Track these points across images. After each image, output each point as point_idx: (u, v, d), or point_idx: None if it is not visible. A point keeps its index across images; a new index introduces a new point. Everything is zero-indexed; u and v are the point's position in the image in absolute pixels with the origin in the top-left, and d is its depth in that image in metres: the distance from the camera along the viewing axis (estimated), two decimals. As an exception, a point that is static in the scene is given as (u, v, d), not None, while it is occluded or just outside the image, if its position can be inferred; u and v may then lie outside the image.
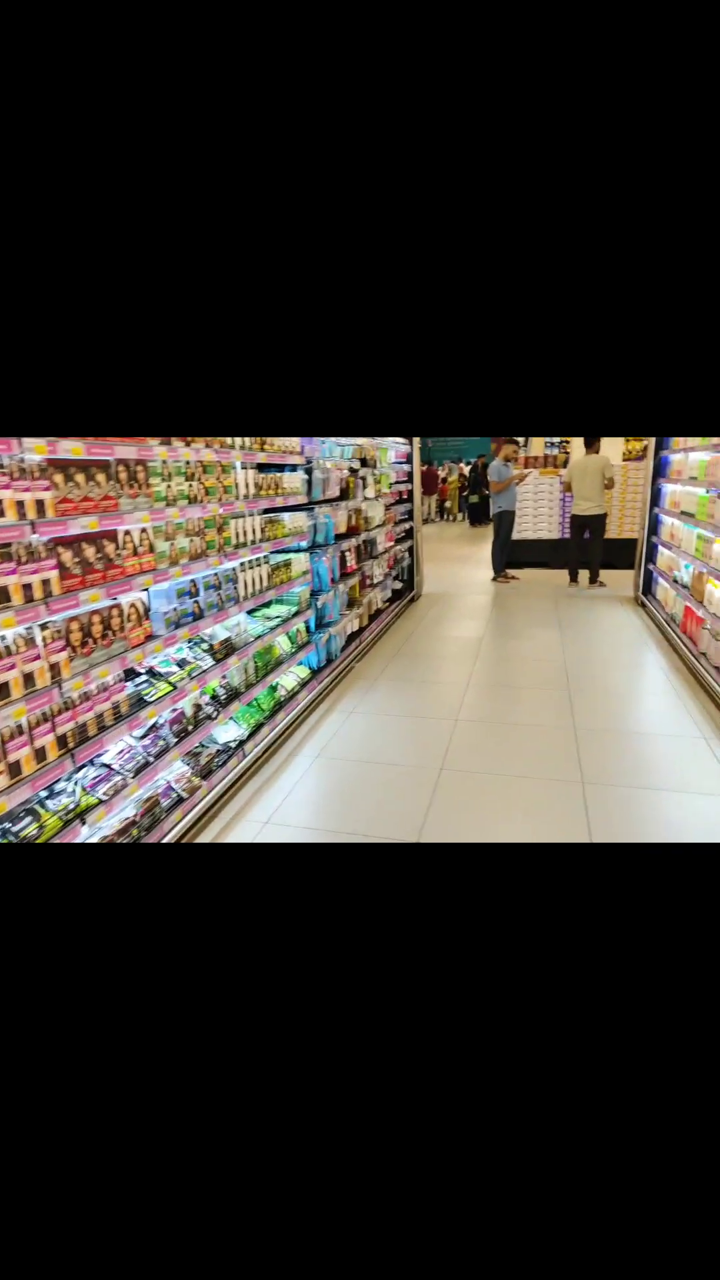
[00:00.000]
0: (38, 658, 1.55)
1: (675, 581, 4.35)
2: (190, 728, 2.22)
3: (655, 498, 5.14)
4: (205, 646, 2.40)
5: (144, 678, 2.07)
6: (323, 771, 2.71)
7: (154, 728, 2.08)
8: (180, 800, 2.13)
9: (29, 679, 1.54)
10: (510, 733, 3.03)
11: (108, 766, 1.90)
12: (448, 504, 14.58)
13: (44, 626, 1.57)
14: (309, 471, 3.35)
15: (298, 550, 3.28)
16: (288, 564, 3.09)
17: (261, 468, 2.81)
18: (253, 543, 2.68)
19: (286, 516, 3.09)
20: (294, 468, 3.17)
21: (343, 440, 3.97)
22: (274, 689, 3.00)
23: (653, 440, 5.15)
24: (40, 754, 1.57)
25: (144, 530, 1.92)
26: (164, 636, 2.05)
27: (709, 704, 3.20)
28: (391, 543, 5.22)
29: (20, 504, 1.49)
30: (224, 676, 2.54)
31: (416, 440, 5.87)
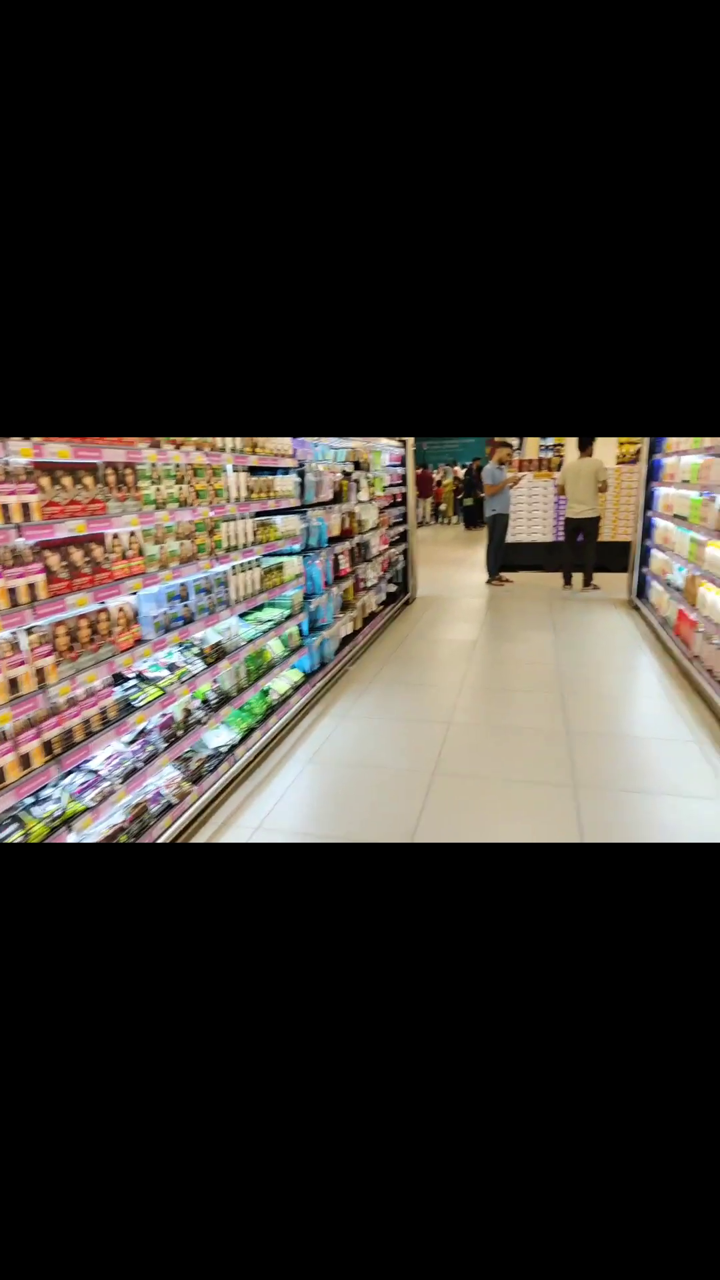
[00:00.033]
0: (23, 663, 1.53)
1: (668, 585, 4.36)
2: (180, 733, 2.20)
3: (648, 501, 5.15)
4: (196, 650, 2.38)
5: (133, 682, 2.05)
6: (315, 776, 2.70)
7: (143, 733, 2.06)
8: (170, 806, 2.11)
9: (14, 684, 1.52)
10: (504, 736, 3.02)
11: (95, 772, 1.88)
12: (443, 507, 14.60)
13: (29, 631, 1.55)
14: (302, 474, 3.34)
15: (290, 553, 3.27)
16: (280, 567, 3.07)
17: (253, 471, 2.80)
18: (244, 546, 2.66)
19: (279, 519, 3.07)
20: (286, 471, 3.16)
21: (336, 443, 3.97)
22: (266, 693, 2.98)
23: (646, 444, 5.16)
24: (25, 760, 1.55)
25: (133, 534, 1.91)
26: (153, 641, 2.03)
27: (702, 708, 3.20)
28: (386, 546, 5.21)
29: (5, 507, 1.47)
30: (215, 681, 2.52)
31: (410, 443, 5.87)
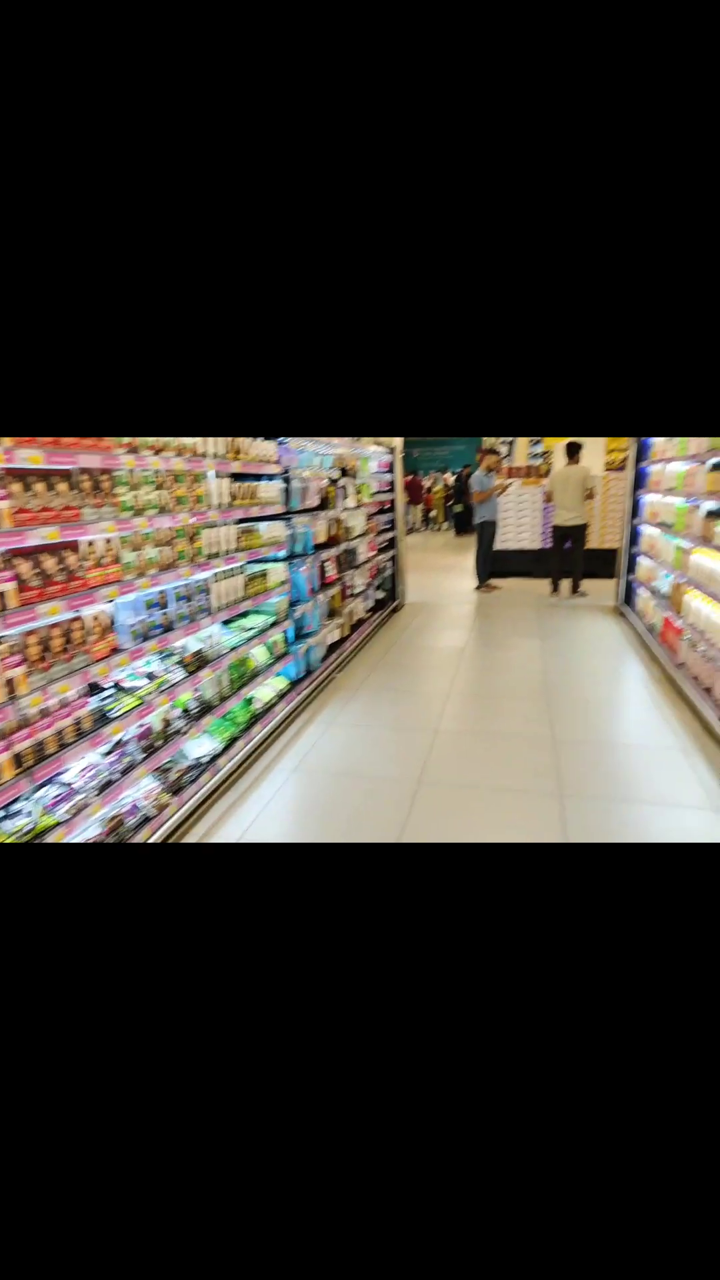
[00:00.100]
0: (-9, 673, 1.49)
1: (655, 592, 4.37)
2: (159, 743, 2.16)
3: (635, 508, 5.18)
4: (176, 659, 2.34)
5: (109, 692, 2.01)
6: (299, 785, 2.66)
7: (120, 744, 2.02)
8: (148, 819, 2.06)
9: (-19, 696, 1.47)
10: (489, 744, 3.00)
11: (69, 785, 1.83)
12: (433, 513, 14.64)
13: (-2, 641, 1.51)
14: (287, 480, 3.32)
15: (275, 560, 3.24)
16: (264, 574, 3.04)
17: (237, 477, 2.77)
18: (227, 553, 2.63)
19: (263, 526, 3.04)
20: (271, 477, 3.14)
21: (322, 449, 3.95)
22: (250, 701, 2.94)
23: (632, 451, 5.19)
24: (-7, 774, 1.50)
25: (109, 541, 1.87)
26: (130, 649, 1.99)
27: (687, 715, 3.20)
28: (374, 552, 5.20)
29: (-27, 514, 1.43)
30: (196, 689, 2.48)
31: (399, 450, 5.87)
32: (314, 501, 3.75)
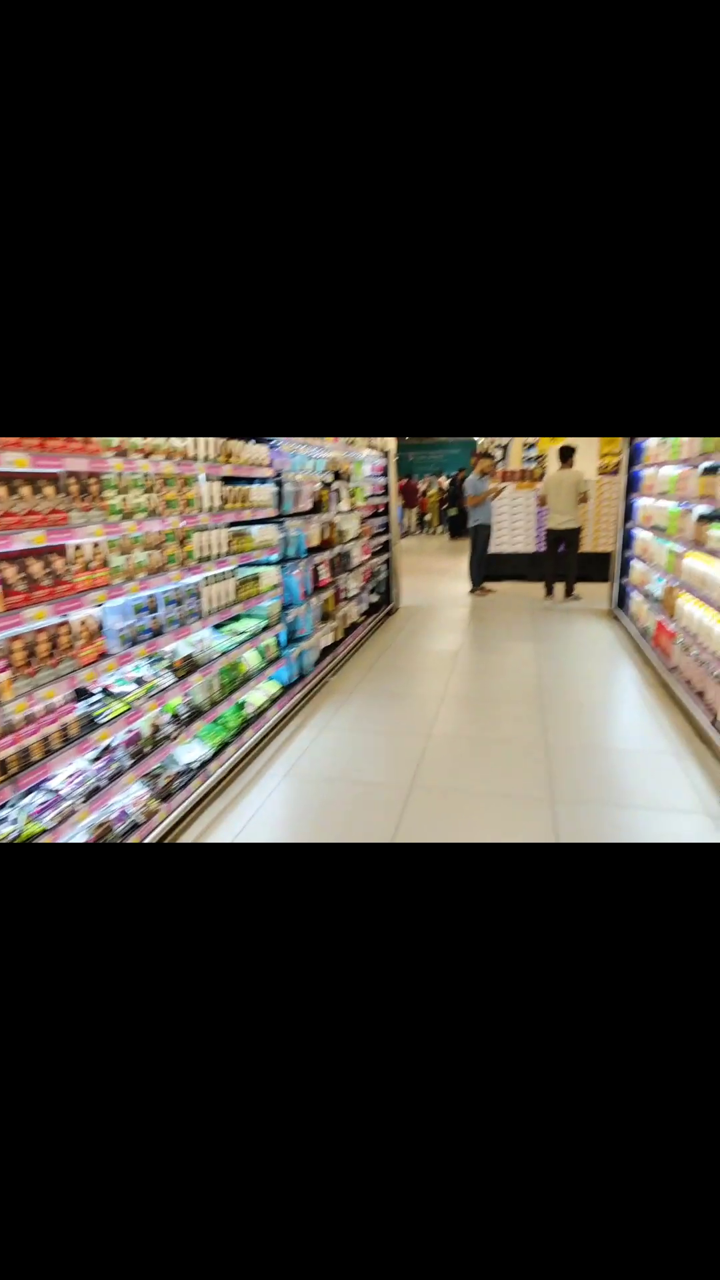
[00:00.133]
0: (-25, 679, 1.47)
1: (648, 596, 4.38)
2: (147, 749, 2.14)
3: (628, 512, 5.19)
4: (166, 664, 2.32)
5: (98, 697, 1.99)
6: (291, 791, 2.64)
7: (108, 749, 2.00)
8: (136, 825, 2.04)
9: (-36, 702, 1.45)
10: (482, 749, 2.99)
11: (55, 792, 1.81)
12: (428, 517, 14.66)
13: (-18, 646, 1.49)
14: (279, 484, 3.31)
15: (268, 564, 3.22)
16: (256, 578, 3.03)
17: (228, 480, 2.76)
18: (218, 556, 2.61)
19: (255, 529, 3.03)
20: (263, 480, 3.13)
21: (315, 452, 3.94)
22: (241, 706, 2.92)
23: (625, 455, 5.21)
24: (-24, 781, 1.48)
25: (96, 544, 1.86)
26: (118, 654, 1.97)
27: (680, 719, 3.20)
28: (367, 556, 5.19)
29: (-44, 518, 1.41)
30: (186, 694, 2.46)
31: (393, 453, 5.87)
32: (307, 505, 3.74)
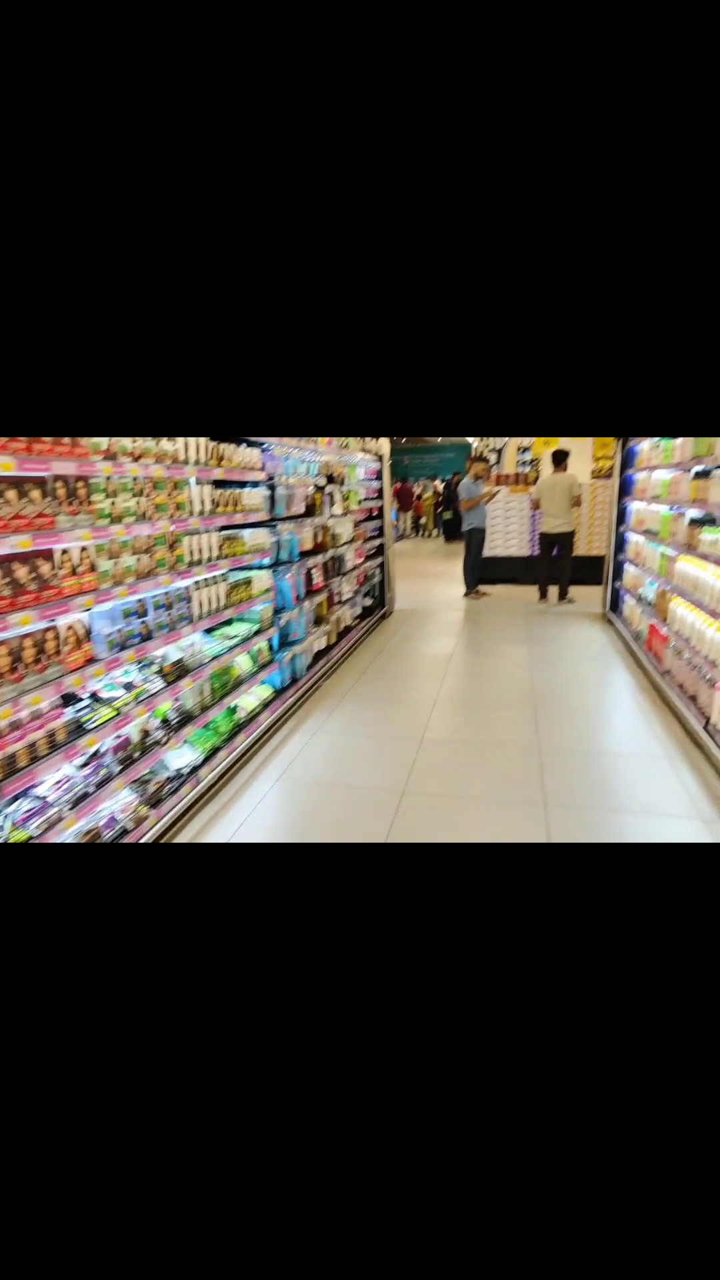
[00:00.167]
0: (-42, 685, 1.45)
1: (640, 599, 4.38)
2: (136, 754, 2.12)
3: (621, 516, 5.21)
4: (155, 668, 2.30)
5: (85, 703, 1.97)
6: (282, 796, 2.62)
7: (96, 755, 1.98)
8: (125, 832, 2.02)
9: (-52, 708, 1.43)
10: (475, 753, 2.98)
11: (43, 799, 1.79)
12: (423, 520, 14.68)
13: (-34, 652, 1.47)
14: (271, 488, 3.30)
15: (260, 567, 3.21)
16: (248, 582, 3.02)
17: (220, 484, 2.74)
18: (209, 560, 2.60)
19: (247, 533, 3.02)
20: (255, 484, 3.12)
21: (308, 456, 3.94)
22: (233, 710, 2.90)
23: (618, 459, 5.22)
24: (-40, 789, 1.46)
25: (84, 549, 1.84)
26: (106, 659, 1.95)
27: (673, 722, 3.20)
28: (361, 559, 5.18)
29: (-61, 522, 1.40)
30: (176, 699, 2.45)
31: (386, 457, 5.88)
32: (300, 509, 3.73)
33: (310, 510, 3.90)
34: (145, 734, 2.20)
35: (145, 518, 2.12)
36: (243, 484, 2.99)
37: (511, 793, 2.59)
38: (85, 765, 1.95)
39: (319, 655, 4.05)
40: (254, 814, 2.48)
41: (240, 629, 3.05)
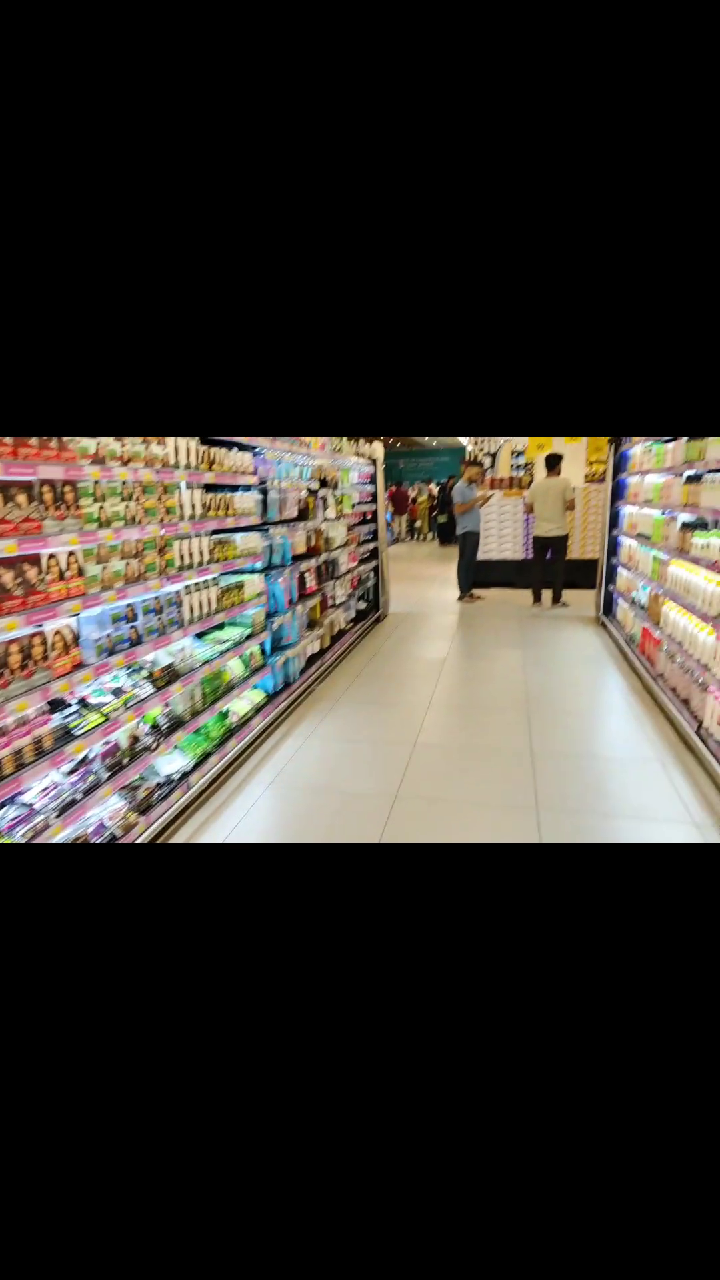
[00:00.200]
0: (-58, 692, 1.44)
1: (633, 603, 4.39)
2: (126, 760, 2.10)
3: (614, 520, 5.22)
4: (145, 673, 2.29)
5: (73, 708, 1.95)
6: (274, 801, 2.61)
7: (84, 761, 1.96)
8: (114, 839, 2.00)
9: (-69, 715, 1.42)
10: (467, 758, 2.97)
11: (29, 806, 1.77)
12: (418, 523, 14.71)
13: (-50, 658, 1.45)
14: (264, 492, 3.29)
15: (252, 571, 3.20)
16: (240, 586, 3.00)
17: (211, 488, 2.74)
18: (200, 564, 2.59)
19: (239, 537, 3.01)
20: (247, 488, 3.11)
21: (300, 460, 3.93)
22: (224, 715, 2.89)
23: (611, 463, 5.24)
24: (-57, 797, 1.44)
25: (72, 553, 1.83)
26: (95, 665, 1.94)
27: (666, 726, 3.20)
28: (355, 563, 5.18)
29: None
30: (166, 704, 2.43)
31: (380, 461, 5.88)
32: (293, 513, 3.72)
33: (303, 514, 3.89)
34: (135, 740, 2.18)
35: (134, 522, 2.11)
36: (234, 488, 2.98)
37: (504, 797, 2.58)
38: (73, 772, 1.93)
39: (312, 659, 4.03)
40: (245, 820, 2.46)
41: (232, 633, 3.04)
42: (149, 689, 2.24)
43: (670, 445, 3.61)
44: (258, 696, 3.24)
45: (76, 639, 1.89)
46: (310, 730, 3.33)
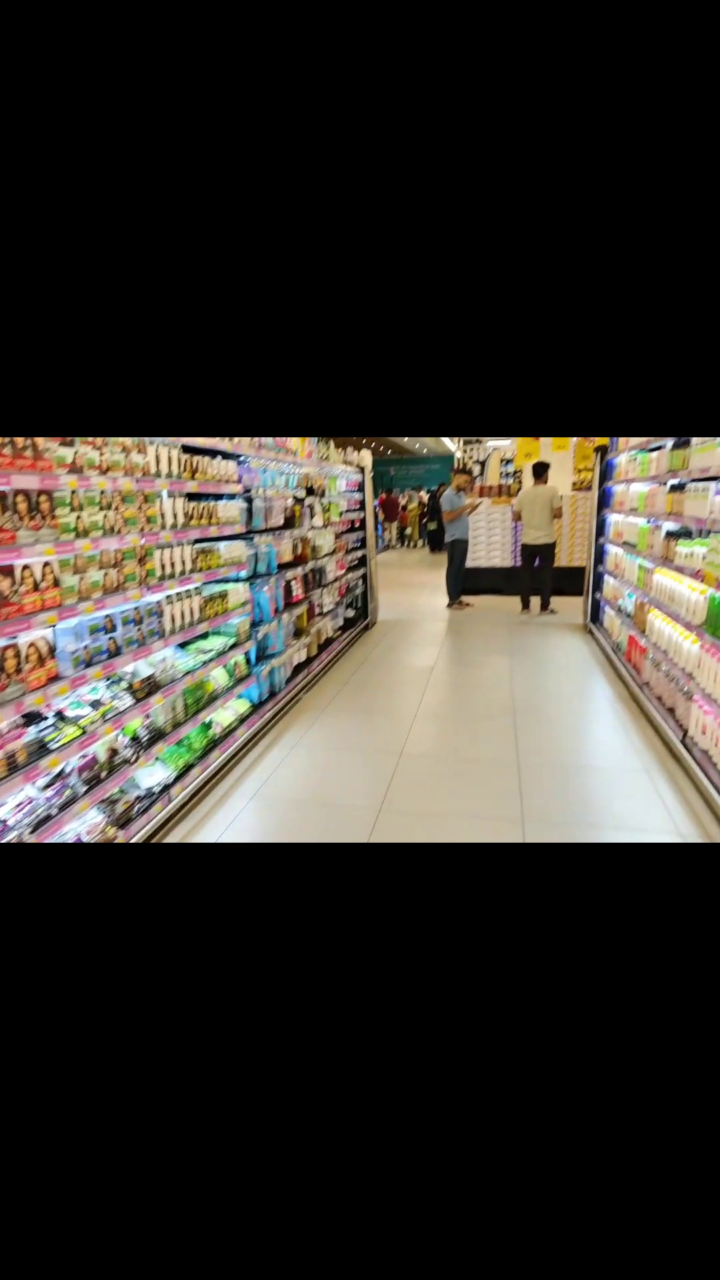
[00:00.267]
0: None
1: (620, 610, 4.41)
2: (104, 773, 2.06)
3: (600, 528, 5.25)
4: (124, 685, 2.25)
5: (49, 721, 1.91)
6: (257, 814, 2.57)
7: (60, 776, 1.92)
8: (90, 854, 1.96)
9: None
10: (454, 768, 2.95)
11: (2, 822, 1.73)
12: (408, 530, 14.74)
13: None
14: (249, 500, 3.27)
15: (236, 580, 3.18)
16: (224, 595, 2.98)
17: (194, 496, 2.71)
18: (182, 574, 2.56)
19: (222, 546, 2.98)
20: (231, 496, 3.09)
21: (286, 468, 3.92)
22: (208, 726, 2.85)
23: (597, 471, 5.27)
24: None
25: (47, 564, 1.79)
26: (71, 677, 1.90)
27: (651, 735, 3.20)
28: (343, 571, 5.16)
29: None
30: (147, 716, 2.39)
31: (368, 469, 5.88)
32: (279, 521, 3.70)
33: (289, 522, 3.88)
34: (113, 752, 2.15)
35: (113, 532, 2.08)
36: (219, 496, 2.96)
37: (489, 808, 2.56)
38: (48, 786, 1.89)
39: (299, 668, 4.01)
40: (227, 832, 2.42)
41: (216, 643, 3.01)
42: (129, 700, 2.20)
43: (654, 454, 3.64)
44: (242, 706, 3.20)
45: (52, 651, 1.85)
46: (296, 740, 3.30)
